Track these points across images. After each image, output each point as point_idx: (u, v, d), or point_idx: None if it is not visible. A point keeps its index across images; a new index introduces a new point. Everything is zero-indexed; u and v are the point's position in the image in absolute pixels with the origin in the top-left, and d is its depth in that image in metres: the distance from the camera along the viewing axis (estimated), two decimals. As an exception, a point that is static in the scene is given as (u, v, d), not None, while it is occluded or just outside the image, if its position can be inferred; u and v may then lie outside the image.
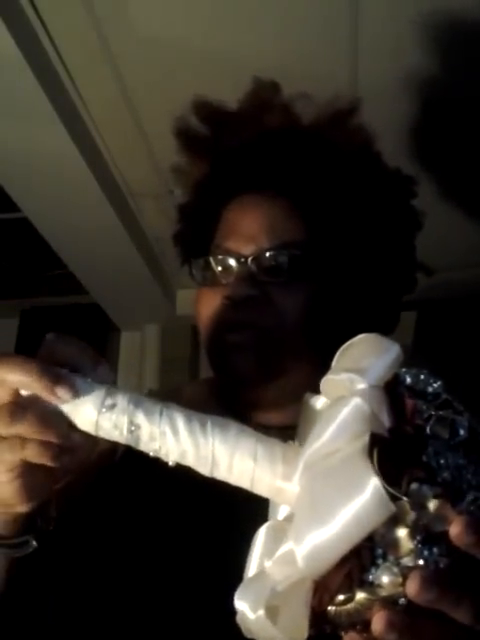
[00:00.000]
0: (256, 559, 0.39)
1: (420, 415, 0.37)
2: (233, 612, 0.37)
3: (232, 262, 0.65)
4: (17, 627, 0.54)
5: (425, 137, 1.12)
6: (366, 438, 0.35)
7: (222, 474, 0.40)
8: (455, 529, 0.33)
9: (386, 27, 0.94)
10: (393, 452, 0.35)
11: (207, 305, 0.66)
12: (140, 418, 0.40)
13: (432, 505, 0.33)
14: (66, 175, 1.13)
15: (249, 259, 0.64)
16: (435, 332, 1.87)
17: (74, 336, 0.45)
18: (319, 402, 0.42)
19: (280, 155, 0.69)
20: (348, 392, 0.37)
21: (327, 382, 0.41)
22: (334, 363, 0.41)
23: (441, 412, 0.37)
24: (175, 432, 0.40)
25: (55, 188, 1.17)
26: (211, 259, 0.67)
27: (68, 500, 0.51)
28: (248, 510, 0.43)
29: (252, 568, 0.39)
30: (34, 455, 0.41)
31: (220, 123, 0.75)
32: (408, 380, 0.38)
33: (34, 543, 0.48)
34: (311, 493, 0.36)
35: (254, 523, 0.42)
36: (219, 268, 0.66)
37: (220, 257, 0.66)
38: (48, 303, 1.88)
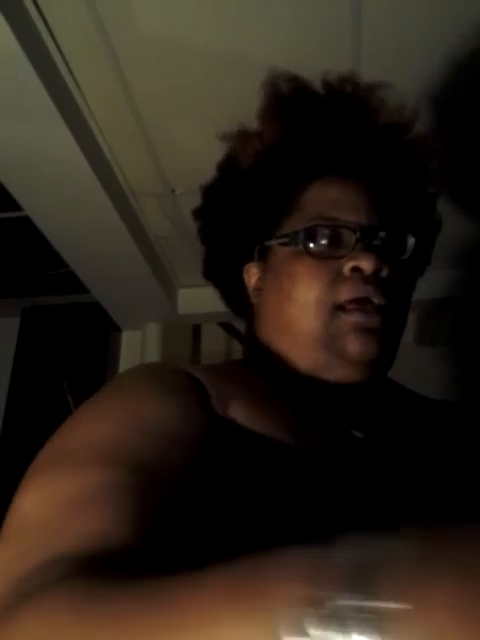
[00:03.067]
0: None
1: None
2: None
3: (349, 234, 0.63)
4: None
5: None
6: None
7: None
8: None
9: (388, 27, 0.94)
10: None
11: (319, 277, 0.63)
12: None
13: None
14: (68, 174, 1.13)
15: (378, 233, 0.63)
16: (433, 332, 1.87)
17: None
18: None
19: (368, 144, 0.71)
20: None
21: None
22: None
23: None
24: None
25: (56, 187, 1.17)
26: (325, 229, 0.63)
27: None
28: None
29: None
30: None
31: (311, 100, 0.75)
32: None
33: None
34: None
35: None
36: (326, 240, 0.63)
37: (338, 228, 0.64)
38: (49, 302, 1.88)
